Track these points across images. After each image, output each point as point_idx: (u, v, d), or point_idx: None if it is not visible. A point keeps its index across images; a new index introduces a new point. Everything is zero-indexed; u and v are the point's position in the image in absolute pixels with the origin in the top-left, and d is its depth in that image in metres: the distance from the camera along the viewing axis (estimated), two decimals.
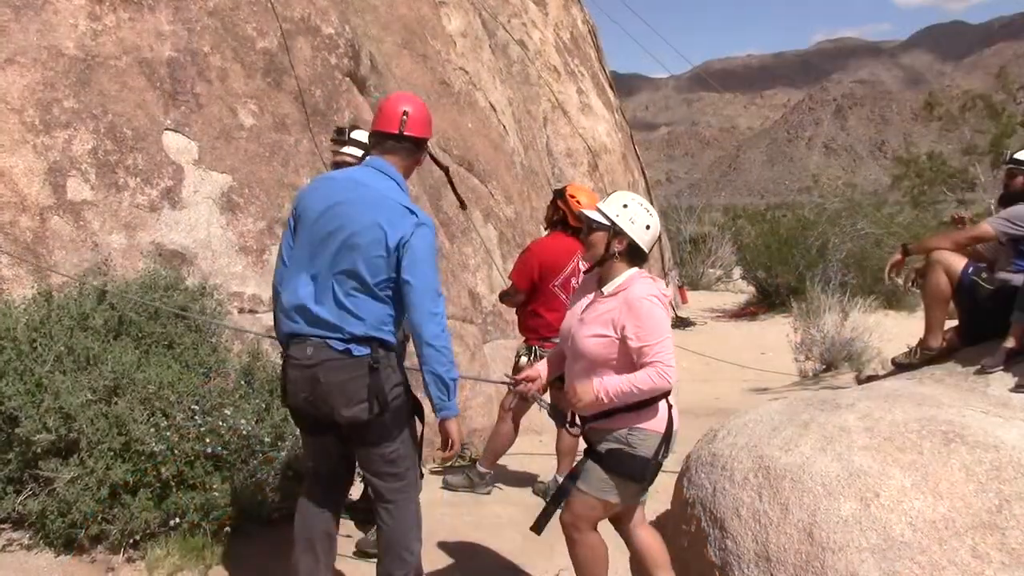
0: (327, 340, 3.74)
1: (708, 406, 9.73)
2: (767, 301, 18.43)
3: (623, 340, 3.87)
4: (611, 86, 18.06)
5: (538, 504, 5.70)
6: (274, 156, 6.85)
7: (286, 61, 7.31)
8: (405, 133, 3.87)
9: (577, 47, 16.53)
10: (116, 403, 4.76)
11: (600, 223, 4.00)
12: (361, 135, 5.23)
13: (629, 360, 3.88)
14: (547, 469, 6.87)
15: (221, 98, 6.71)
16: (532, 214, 10.92)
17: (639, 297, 3.89)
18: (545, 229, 6.73)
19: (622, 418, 3.95)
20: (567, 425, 4.26)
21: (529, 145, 12.38)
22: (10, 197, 5.56)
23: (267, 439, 5.05)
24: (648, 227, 4.00)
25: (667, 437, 3.97)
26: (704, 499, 4.15)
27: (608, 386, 3.85)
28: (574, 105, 15.24)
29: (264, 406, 5.18)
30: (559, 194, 6.45)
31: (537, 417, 7.50)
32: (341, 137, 5.31)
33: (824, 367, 11.54)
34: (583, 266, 6.36)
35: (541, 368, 4.34)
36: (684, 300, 18.61)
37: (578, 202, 6.26)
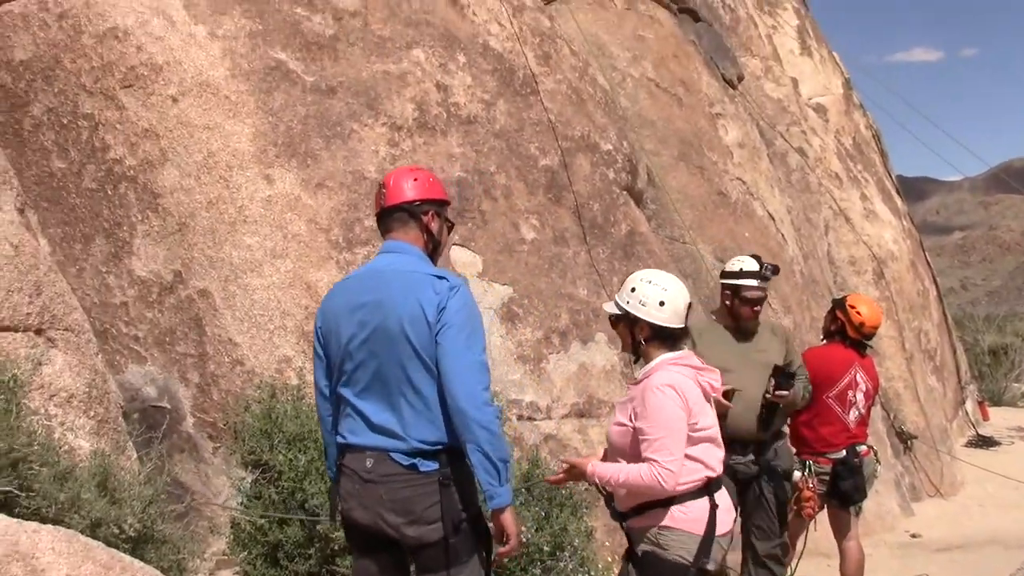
0: (390, 453, 3.32)
1: (1022, 536, 8.80)
2: None
3: (635, 430, 3.61)
4: (898, 191, 17.30)
5: None
6: (553, 268, 7.07)
7: (566, 177, 7.59)
8: (387, 205, 3.55)
9: (860, 152, 16.03)
10: None
11: (615, 315, 3.82)
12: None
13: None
14: None
15: (505, 214, 7.05)
16: (812, 324, 10.54)
17: (651, 386, 3.62)
18: (822, 339, 6.48)
19: (653, 514, 3.61)
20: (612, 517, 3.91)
21: (809, 254, 12.03)
22: (316, 308, 6.06)
23: (546, 548, 5.07)
24: (663, 303, 3.70)
25: (707, 539, 3.55)
26: None
27: (599, 469, 3.62)
28: (857, 212, 14.70)
29: (543, 514, 5.22)
30: (838, 304, 6.22)
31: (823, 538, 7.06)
32: (764, 273, 5.45)
33: None
34: (861, 379, 6.06)
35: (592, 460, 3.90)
36: (985, 417, 17.14)
37: (858, 313, 6.01)
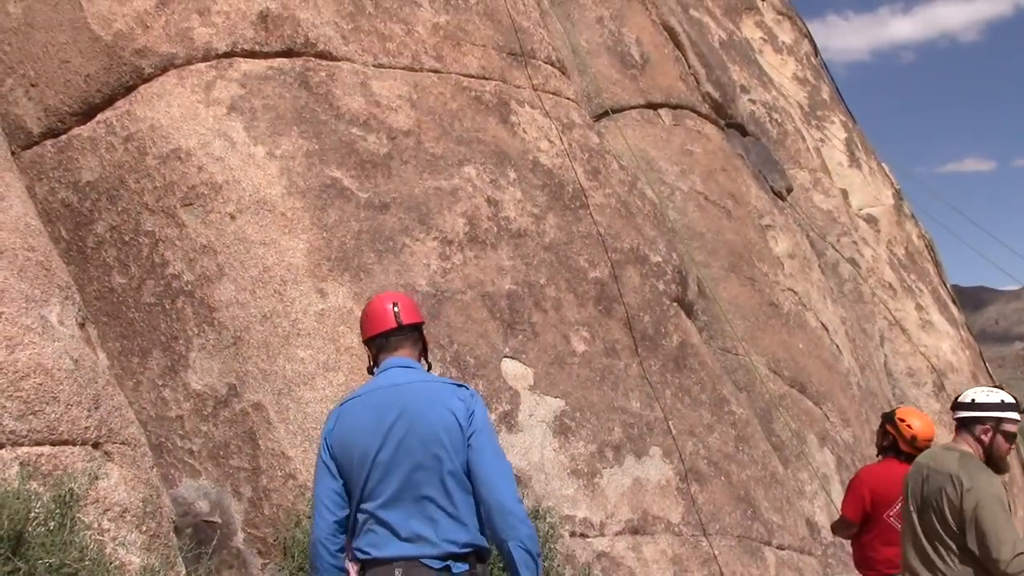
0: (421, 559, 3.35)
1: None
2: None
3: None
4: (954, 301, 17.07)
5: None
6: (604, 380, 7.03)
7: (616, 289, 7.60)
8: (404, 324, 3.72)
9: (913, 262, 15.90)
10: None
11: None
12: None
13: None
14: None
15: (555, 326, 7.06)
16: (871, 438, 10.28)
17: None
18: (877, 455, 6.34)
19: None
20: None
21: (865, 365, 11.85)
22: None
23: None
24: None
25: None
26: None
27: None
28: (913, 322, 14.51)
29: None
30: (888, 418, 6.09)
31: None
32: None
33: None
34: None
35: None
36: None
37: (909, 426, 5.87)
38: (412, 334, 3.76)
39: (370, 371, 3.81)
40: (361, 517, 3.49)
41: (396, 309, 3.73)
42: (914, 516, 4.78)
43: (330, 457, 3.57)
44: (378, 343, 3.75)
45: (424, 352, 3.83)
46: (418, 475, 3.41)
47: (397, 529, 3.39)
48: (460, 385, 3.62)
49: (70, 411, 5.00)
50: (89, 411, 5.11)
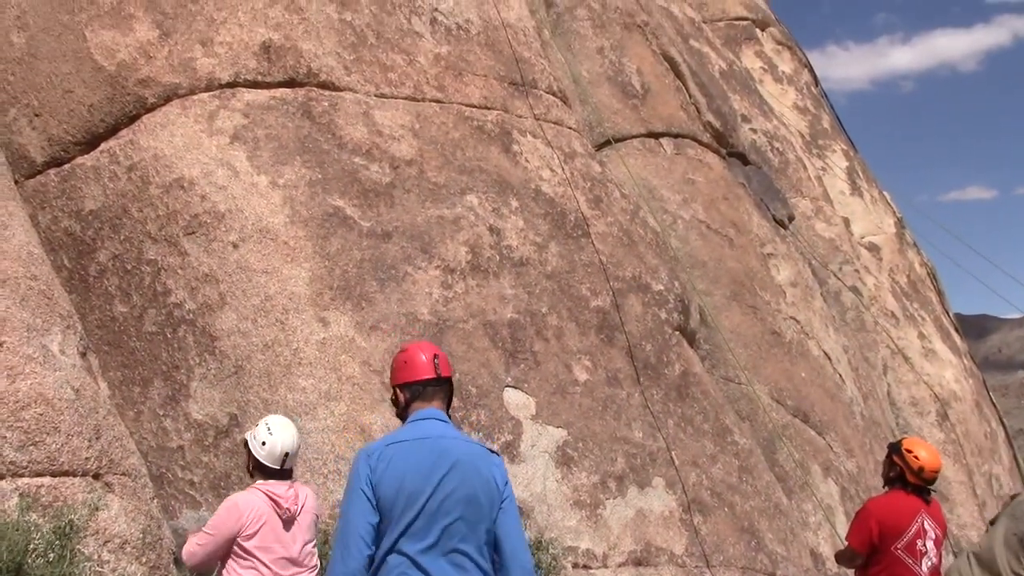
0: None
1: None
2: None
3: None
4: (957, 329, 17.05)
5: None
6: (607, 410, 7.00)
7: (618, 318, 7.59)
8: (443, 375, 3.91)
9: (916, 291, 15.89)
10: None
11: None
12: None
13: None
14: None
15: (557, 355, 7.03)
16: (876, 468, 10.24)
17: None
18: (884, 487, 6.29)
19: None
20: None
21: (869, 394, 11.80)
22: None
23: None
24: (264, 443, 4.80)
25: None
26: None
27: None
28: (916, 351, 14.47)
29: None
30: (895, 448, 6.03)
31: None
32: None
33: None
34: (929, 527, 5.83)
35: None
36: None
37: (916, 457, 5.82)
38: (446, 386, 3.96)
39: (399, 415, 3.99)
40: (394, 560, 3.63)
41: (436, 361, 3.93)
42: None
43: (373, 494, 3.71)
44: (413, 390, 3.92)
45: (450, 403, 4.03)
46: (458, 528, 3.62)
47: (432, 574, 3.58)
48: (493, 451, 3.90)
49: (71, 441, 4.98)
50: (90, 441, 5.09)
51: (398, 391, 3.96)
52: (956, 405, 14.17)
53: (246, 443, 4.93)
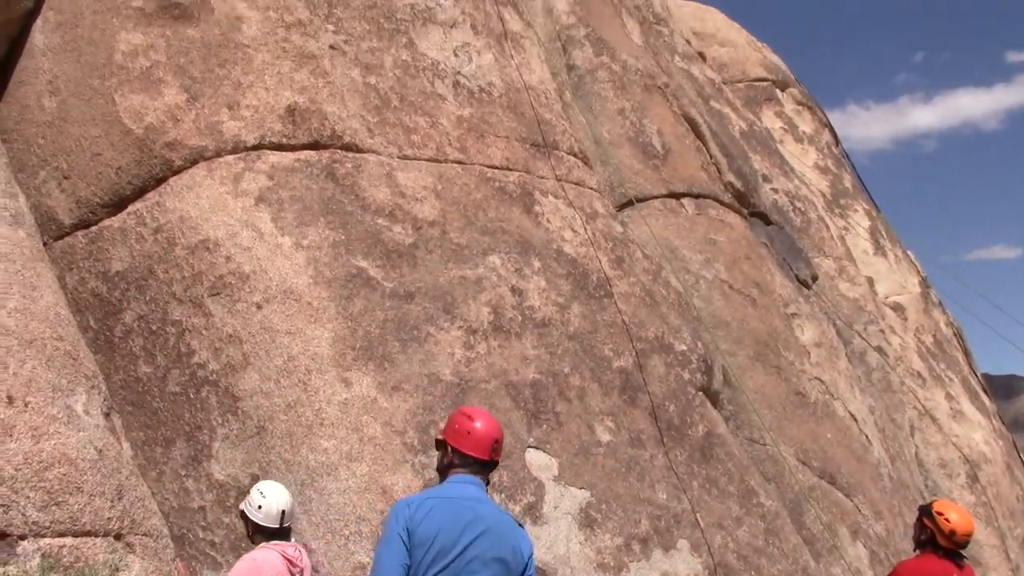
0: None
1: None
2: None
3: None
4: (985, 390, 16.84)
5: None
6: (630, 471, 6.93)
7: (640, 378, 7.55)
8: (495, 460, 4.36)
9: (942, 351, 15.74)
10: None
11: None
12: None
13: None
14: None
15: (580, 416, 6.99)
16: (905, 531, 10.05)
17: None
18: (915, 550, 6.18)
19: None
20: None
21: (896, 456, 11.64)
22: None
23: None
24: (260, 507, 5.21)
25: None
26: None
27: None
28: (944, 412, 14.29)
29: None
30: (925, 511, 5.94)
31: None
32: None
33: None
34: None
35: None
36: None
37: (947, 520, 5.72)
38: (493, 468, 4.41)
39: (439, 469, 4.41)
40: None
41: (495, 446, 4.34)
42: None
43: (404, 531, 4.04)
44: (465, 460, 4.31)
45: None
46: None
47: None
48: (520, 525, 4.27)
49: (93, 502, 4.98)
50: (112, 502, 5.09)
51: (451, 451, 4.33)
52: (986, 467, 13.95)
53: (242, 513, 5.16)
